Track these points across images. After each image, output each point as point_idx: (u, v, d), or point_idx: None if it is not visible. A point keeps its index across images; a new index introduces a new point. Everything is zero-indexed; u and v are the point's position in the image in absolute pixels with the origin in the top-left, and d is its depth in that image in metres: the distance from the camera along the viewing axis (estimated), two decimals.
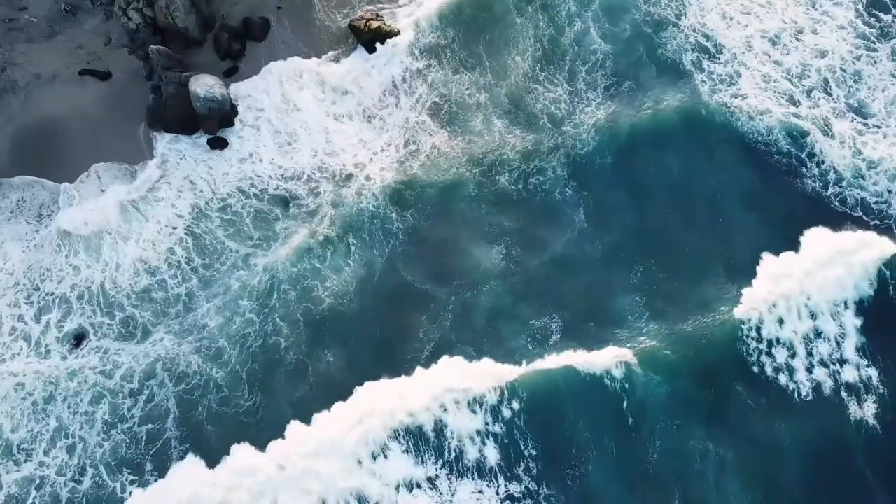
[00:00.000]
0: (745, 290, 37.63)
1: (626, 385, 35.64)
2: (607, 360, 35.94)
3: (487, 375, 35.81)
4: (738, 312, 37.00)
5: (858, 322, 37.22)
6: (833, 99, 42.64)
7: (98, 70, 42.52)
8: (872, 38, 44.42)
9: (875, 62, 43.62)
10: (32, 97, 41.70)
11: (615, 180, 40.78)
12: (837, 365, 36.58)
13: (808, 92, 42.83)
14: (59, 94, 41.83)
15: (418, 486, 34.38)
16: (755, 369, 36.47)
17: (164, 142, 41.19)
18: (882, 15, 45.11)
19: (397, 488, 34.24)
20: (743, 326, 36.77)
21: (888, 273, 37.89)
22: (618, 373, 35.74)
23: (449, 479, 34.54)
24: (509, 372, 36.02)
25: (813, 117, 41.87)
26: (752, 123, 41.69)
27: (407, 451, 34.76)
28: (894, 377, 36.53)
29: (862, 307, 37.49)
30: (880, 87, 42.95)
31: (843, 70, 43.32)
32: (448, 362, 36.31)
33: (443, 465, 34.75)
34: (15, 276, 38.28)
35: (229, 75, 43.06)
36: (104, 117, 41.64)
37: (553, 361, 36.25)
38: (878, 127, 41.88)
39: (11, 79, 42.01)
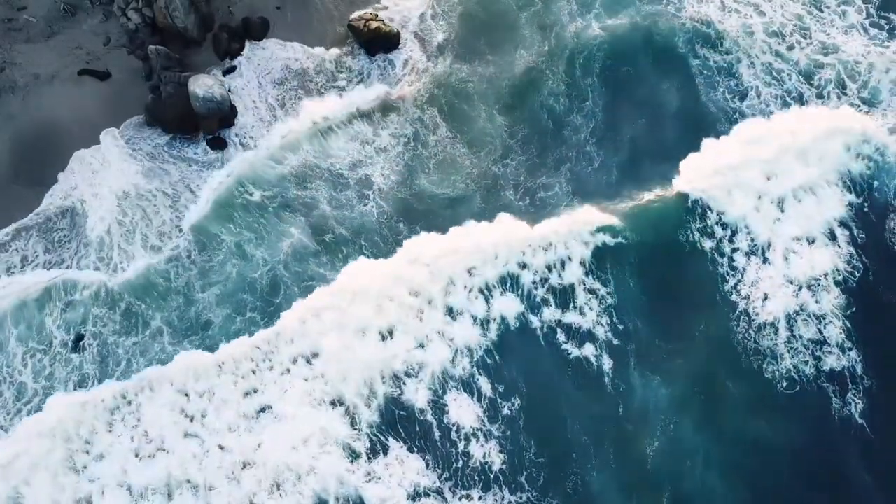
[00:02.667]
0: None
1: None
2: None
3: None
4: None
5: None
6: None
7: (97, 70, 42.48)
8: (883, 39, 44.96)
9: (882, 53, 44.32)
10: (31, 97, 41.65)
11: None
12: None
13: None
14: (58, 94, 41.77)
15: None
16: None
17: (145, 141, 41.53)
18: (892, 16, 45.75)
19: None
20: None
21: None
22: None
23: None
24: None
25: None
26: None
27: None
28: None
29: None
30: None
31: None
32: None
33: None
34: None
35: (228, 75, 43.08)
36: (103, 117, 41.59)
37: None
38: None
39: (10, 79, 41.95)
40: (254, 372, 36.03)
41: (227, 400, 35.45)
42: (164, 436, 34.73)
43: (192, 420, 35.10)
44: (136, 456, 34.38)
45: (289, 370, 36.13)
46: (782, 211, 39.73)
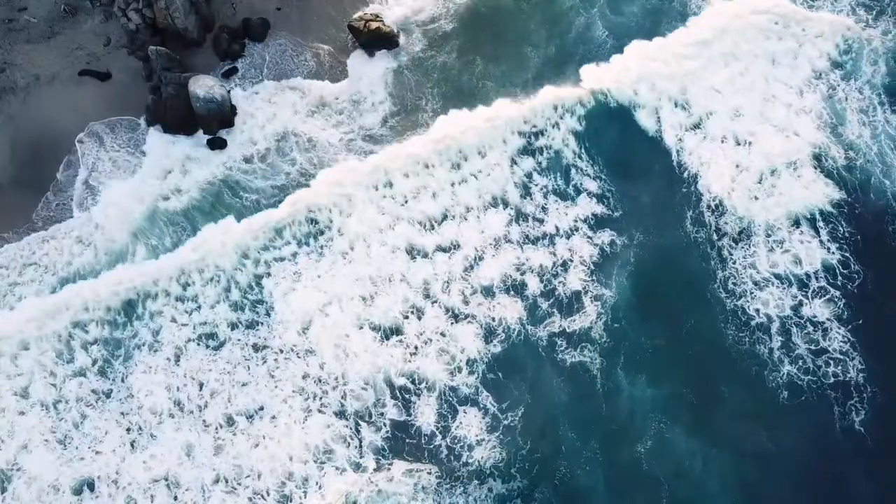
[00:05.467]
0: None
1: None
2: None
3: None
4: None
5: None
6: None
7: (98, 71, 42.61)
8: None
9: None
10: (32, 98, 41.78)
11: None
12: None
13: None
14: (58, 95, 41.93)
15: None
16: None
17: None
18: None
19: None
20: None
21: None
22: None
23: None
24: None
25: None
26: None
27: None
28: None
29: None
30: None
31: None
32: None
33: None
34: None
35: (228, 76, 43.18)
36: (103, 118, 41.68)
37: None
38: None
39: (11, 79, 42.10)
40: (247, 358, 36.55)
41: (222, 389, 35.98)
42: (153, 425, 35.32)
43: (190, 413, 35.51)
44: (132, 447, 34.86)
45: (287, 358, 36.63)
46: None
